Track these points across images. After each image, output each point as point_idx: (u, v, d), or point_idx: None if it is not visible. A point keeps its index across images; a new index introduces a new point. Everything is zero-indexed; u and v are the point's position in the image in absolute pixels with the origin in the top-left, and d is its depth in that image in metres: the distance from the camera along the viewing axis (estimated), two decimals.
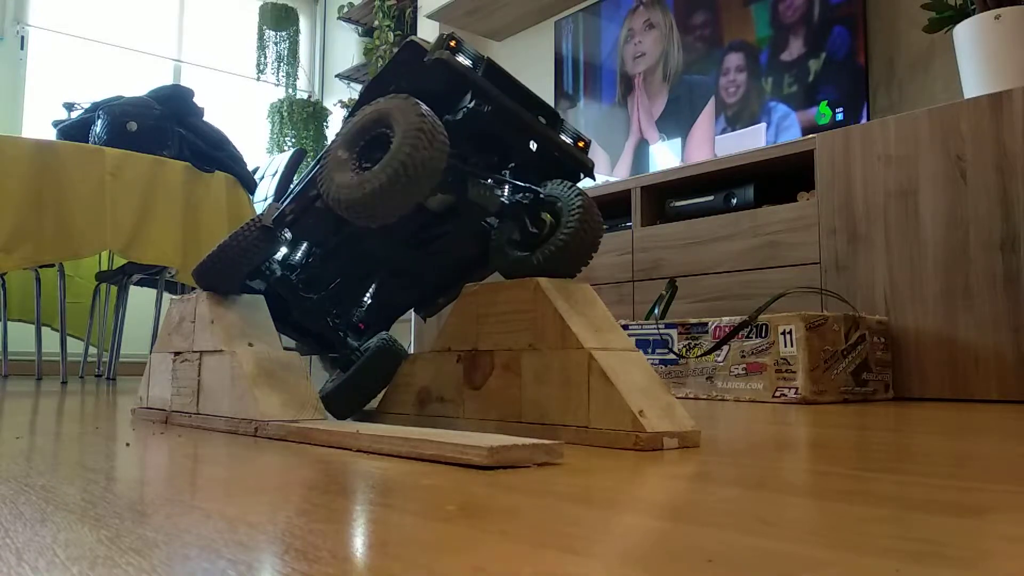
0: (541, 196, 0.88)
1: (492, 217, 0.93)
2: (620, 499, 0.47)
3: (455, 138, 0.77)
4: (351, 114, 0.86)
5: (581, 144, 0.92)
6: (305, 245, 1.03)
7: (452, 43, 0.81)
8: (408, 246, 0.99)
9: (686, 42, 2.45)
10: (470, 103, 0.82)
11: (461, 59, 0.81)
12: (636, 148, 2.59)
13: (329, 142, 1.00)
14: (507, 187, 0.90)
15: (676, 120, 2.48)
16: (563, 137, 0.90)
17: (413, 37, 0.84)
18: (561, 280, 0.84)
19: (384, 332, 1.09)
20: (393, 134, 0.74)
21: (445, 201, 0.90)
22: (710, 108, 2.36)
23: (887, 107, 2.11)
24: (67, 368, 2.42)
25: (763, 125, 2.22)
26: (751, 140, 2.24)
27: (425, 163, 0.71)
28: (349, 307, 1.06)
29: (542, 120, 0.88)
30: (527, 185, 0.89)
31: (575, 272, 0.86)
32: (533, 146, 0.89)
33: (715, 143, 2.35)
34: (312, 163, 0.99)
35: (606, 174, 2.67)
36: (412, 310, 1.11)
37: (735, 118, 2.30)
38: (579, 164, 0.91)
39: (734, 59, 2.30)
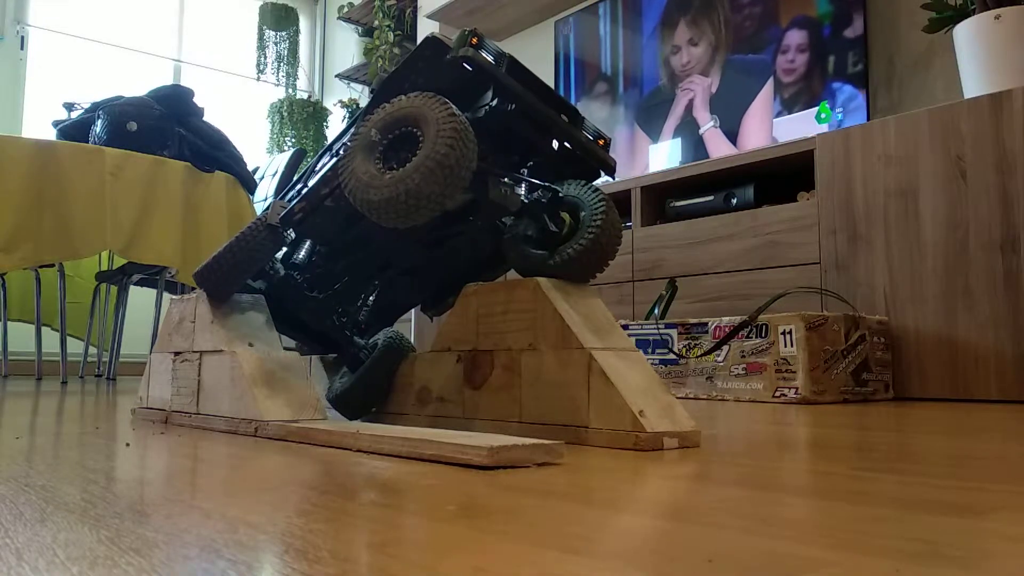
0: (560, 195, 0.87)
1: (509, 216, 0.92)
2: (620, 499, 0.47)
3: (476, 136, 0.77)
4: (367, 112, 0.85)
5: (601, 142, 0.91)
6: (308, 244, 1.02)
7: (474, 40, 0.79)
8: (421, 245, 0.98)
9: (736, 21, 2.32)
10: (492, 101, 0.81)
11: (485, 55, 0.80)
12: (682, 136, 2.47)
13: (330, 140, 0.98)
14: (525, 185, 0.89)
15: (728, 104, 2.34)
16: (584, 135, 0.89)
17: (435, 33, 0.83)
18: (561, 280, 0.84)
19: (390, 329, 1.08)
20: (422, 134, 0.72)
21: (463, 200, 0.89)
22: (767, 90, 2.23)
23: (887, 107, 2.11)
24: (67, 368, 2.42)
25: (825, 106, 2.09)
26: (813, 124, 2.11)
27: (460, 165, 0.70)
28: (354, 306, 1.06)
29: (564, 118, 0.87)
30: (546, 184, 0.88)
31: (595, 275, 0.85)
32: (555, 145, 0.88)
33: (772, 127, 2.21)
34: (313, 160, 0.98)
35: (646, 164, 2.57)
36: (413, 310, 1.10)
37: (793, 100, 2.16)
38: (601, 163, 0.90)
39: (794, 36, 2.17)
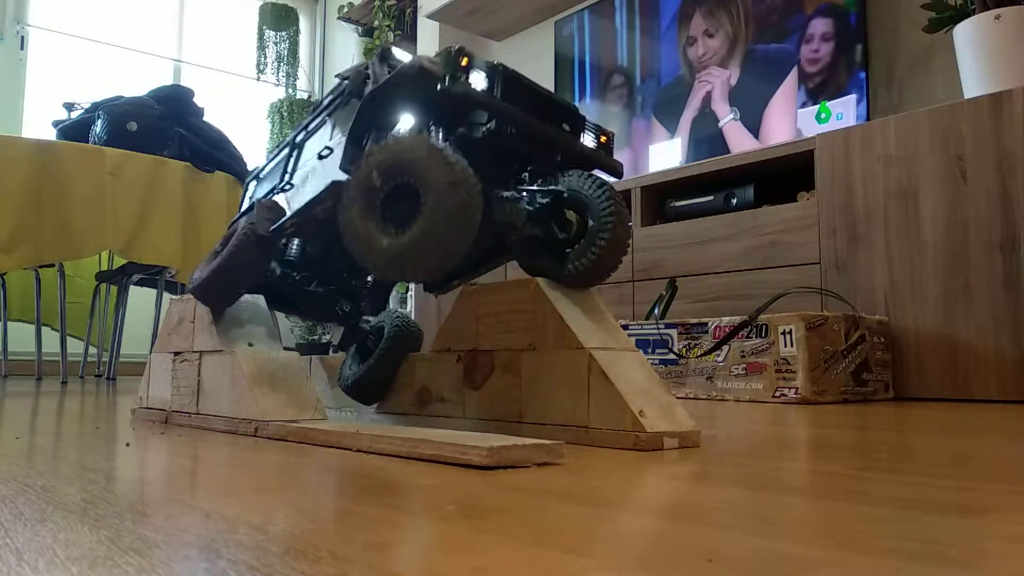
0: (563, 195, 0.84)
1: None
2: (620, 499, 0.47)
3: (474, 155, 0.73)
4: (356, 125, 0.80)
5: (604, 139, 0.88)
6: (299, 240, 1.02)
7: (464, 60, 0.74)
8: None
9: (759, 10, 2.26)
10: (490, 123, 0.77)
11: (476, 76, 0.75)
12: (703, 128, 2.41)
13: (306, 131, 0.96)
14: (526, 193, 0.86)
15: (749, 95, 2.28)
16: (587, 135, 0.86)
17: (422, 62, 0.76)
18: None
19: (396, 311, 1.08)
20: (423, 195, 0.67)
21: None
22: (791, 79, 2.16)
23: (887, 107, 2.11)
24: (67, 368, 2.42)
25: (853, 97, 2.03)
26: (841, 112, 2.05)
27: (460, 241, 0.67)
28: (353, 295, 1.06)
29: (566, 126, 0.84)
30: (548, 188, 0.85)
31: (608, 276, 0.84)
32: (558, 157, 0.86)
33: (797, 118, 2.15)
34: (288, 137, 0.98)
35: (665, 156, 2.51)
36: (413, 307, 1.10)
37: (819, 90, 2.10)
38: (608, 169, 0.88)
39: (819, 24, 2.09)
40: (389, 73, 0.83)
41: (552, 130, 0.82)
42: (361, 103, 0.81)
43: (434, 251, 0.66)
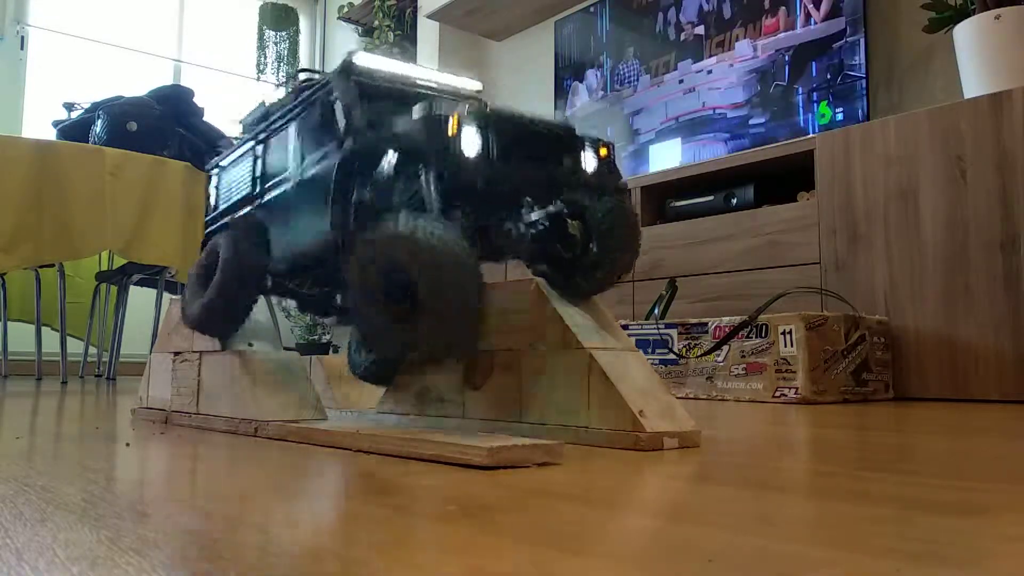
0: (563, 211, 0.82)
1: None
2: (620, 499, 0.47)
3: (470, 196, 0.72)
4: (343, 162, 0.76)
5: (604, 151, 0.83)
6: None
7: (454, 125, 0.69)
8: None
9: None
10: (487, 174, 0.74)
11: (468, 133, 0.70)
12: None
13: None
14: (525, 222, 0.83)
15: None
16: (586, 154, 0.81)
17: (412, 141, 0.72)
18: None
19: None
20: (416, 285, 0.66)
21: None
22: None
23: (887, 107, 2.11)
24: (67, 368, 2.42)
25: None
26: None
27: (464, 318, 0.67)
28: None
29: (565, 156, 0.80)
30: (548, 210, 0.82)
31: (618, 280, 0.84)
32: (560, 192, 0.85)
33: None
34: (245, 140, 0.95)
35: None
36: None
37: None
38: (614, 191, 0.84)
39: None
40: (355, 83, 0.79)
41: (552, 171, 0.78)
42: (338, 164, 0.77)
43: (441, 335, 0.67)
